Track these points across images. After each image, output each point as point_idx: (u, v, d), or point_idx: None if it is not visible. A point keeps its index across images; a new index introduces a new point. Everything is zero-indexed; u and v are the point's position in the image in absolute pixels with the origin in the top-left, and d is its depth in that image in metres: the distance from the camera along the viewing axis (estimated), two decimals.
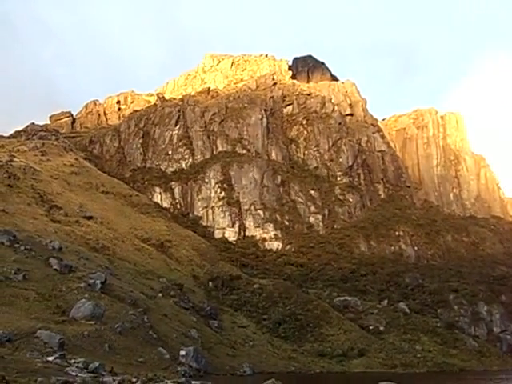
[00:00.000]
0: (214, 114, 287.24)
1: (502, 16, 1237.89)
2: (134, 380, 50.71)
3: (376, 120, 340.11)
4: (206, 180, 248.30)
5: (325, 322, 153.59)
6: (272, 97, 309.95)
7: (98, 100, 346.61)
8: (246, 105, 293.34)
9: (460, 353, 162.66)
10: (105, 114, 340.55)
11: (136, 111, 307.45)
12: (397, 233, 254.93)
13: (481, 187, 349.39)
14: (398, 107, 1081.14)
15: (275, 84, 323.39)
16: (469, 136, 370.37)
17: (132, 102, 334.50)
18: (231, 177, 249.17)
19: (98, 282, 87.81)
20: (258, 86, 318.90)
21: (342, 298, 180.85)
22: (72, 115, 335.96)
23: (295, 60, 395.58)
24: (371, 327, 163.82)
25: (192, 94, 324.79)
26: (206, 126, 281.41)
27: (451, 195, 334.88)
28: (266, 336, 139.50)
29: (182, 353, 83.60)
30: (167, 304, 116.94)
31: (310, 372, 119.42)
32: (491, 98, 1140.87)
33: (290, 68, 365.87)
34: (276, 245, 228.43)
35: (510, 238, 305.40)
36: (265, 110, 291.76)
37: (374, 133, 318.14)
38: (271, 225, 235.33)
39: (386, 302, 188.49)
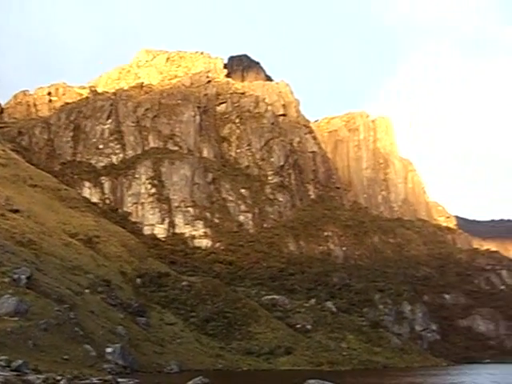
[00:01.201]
0: (146, 110, 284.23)
1: (429, 20, 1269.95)
2: (59, 378, 49.63)
3: (308, 121, 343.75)
4: (137, 176, 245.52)
5: (253, 321, 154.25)
6: (206, 94, 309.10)
7: (28, 90, 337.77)
8: (179, 101, 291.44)
9: (384, 350, 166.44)
10: (35, 105, 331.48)
11: (67, 103, 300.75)
12: (325, 233, 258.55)
13: (408, 190, 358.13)
14: (331, 109, 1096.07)
15: (209, 82, 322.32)
16: (397, 140, 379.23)
17: (63, 94, 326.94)
18: (162, 173, 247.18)
19: (23, 277, 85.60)
20: (192, 83, 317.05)
21: (270, 297, 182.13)
22: (0, 105, 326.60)
23: (230, 59, 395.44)
24: (298, 326, 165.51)
25: (125, 88, 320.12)
26: (138, 122, 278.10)
27: (379, 197, 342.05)
28: (193, 333, 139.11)
29: (109, 350, 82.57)
30: (94, 300, 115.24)
31: (237, 369, 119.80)
32: (420, 102, 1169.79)
33: (225, 66, 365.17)
34: (205, 242, 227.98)
35: (433, 241, 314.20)
36: (198, 108, 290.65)
37: (306, 134, 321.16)
38: (201, 222, 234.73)
39: (313, 300, 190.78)
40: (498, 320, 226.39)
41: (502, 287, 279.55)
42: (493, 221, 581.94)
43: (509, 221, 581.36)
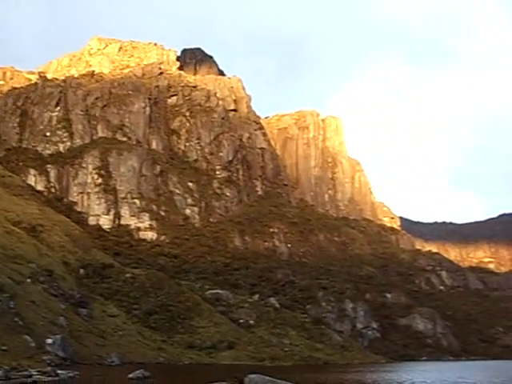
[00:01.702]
0: (96, 99, 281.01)
1: (387, 28, 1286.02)
2: None
3: (259, 117, 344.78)
4: (84, 165, 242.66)
5: (196, 314, 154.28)
6: (157, 86, 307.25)
7: None
8: (130, 92, 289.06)
9: (325, 347, 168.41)
10: None
11: (15, 88, 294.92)
12: (271, 229, 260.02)
13: (354, 190, 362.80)
14: (282, 107, 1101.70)
15: (162, 73, 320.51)
16: (346, 140, 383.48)
17: (11, 79, 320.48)
18: (109, 163, 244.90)
19: None
20: (144, 74, 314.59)
21: (214, 291, 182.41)
22: None
23: (184, 51, 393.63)
24: (241, 321, 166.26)
25: (75, 75, 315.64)
26: (87, 110, 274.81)
27: (326, 196, 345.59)
28: (136, 326, 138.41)
29: (49, 341, 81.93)
30: (35, 290, 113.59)
31: (179, 363, 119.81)
32: (373, 106, 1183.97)
33: (178, 59, 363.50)
34: (151, 235, 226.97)
35: (377, 240, 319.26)
36: (149, 99, 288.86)
37: (255, 130, 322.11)
38: (147, 214, 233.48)
39: (257, 296, 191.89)
40: (435, 319, 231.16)
41: (441, 288, 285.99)
42: (435, 223, 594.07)
43: (450, 223, 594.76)
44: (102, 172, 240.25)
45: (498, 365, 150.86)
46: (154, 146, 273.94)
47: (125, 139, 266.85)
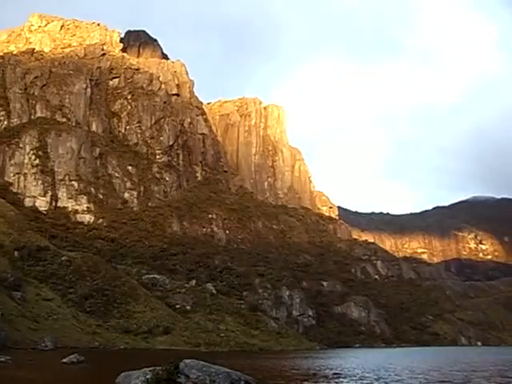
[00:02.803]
0: (36, 78, 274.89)
1: (334, 19, 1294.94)
2: None
3: (201, 103, 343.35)
4: (21, 145, 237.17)
5: (132, 299, 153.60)
6: (99, 67, 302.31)
7: None
8: (71, 72, 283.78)
9: (261, 333, 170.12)
10: None
11: None
12: (210, 215, 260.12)
13: (294, 179, 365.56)
14: (225, 93, 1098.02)
15: (104, 55, 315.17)
16: (288, 129, 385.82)
17: None
18: (48, 144, 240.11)
19: None
20: (85, 55, 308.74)
21: (151, 276, 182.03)
22: None
23: (128, 33, 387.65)
24: (178, 306, 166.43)
25: (14, 52, 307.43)
26: (26, 89, 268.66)
27: (266, 184, 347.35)
28: (71, 310, 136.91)
29: None
30: None
31: (114, 348, 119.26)
32: (314, 96, 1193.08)
33: (121, 40, 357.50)
34: (88, 218, 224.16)
35: (315, 229, 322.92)
36: (90, 80, 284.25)
37: (197, 115, 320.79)
38: (85, 197, 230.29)
39: (194, 282, 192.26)
40: (369, 307, 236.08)
41: (376, 277, 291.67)
42: (372, 213, 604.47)
43: (387, 214, 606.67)
44: (40, 153, 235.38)
45: (426, 351, 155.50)
46: (93, 128, 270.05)
47: (64, 120, 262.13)
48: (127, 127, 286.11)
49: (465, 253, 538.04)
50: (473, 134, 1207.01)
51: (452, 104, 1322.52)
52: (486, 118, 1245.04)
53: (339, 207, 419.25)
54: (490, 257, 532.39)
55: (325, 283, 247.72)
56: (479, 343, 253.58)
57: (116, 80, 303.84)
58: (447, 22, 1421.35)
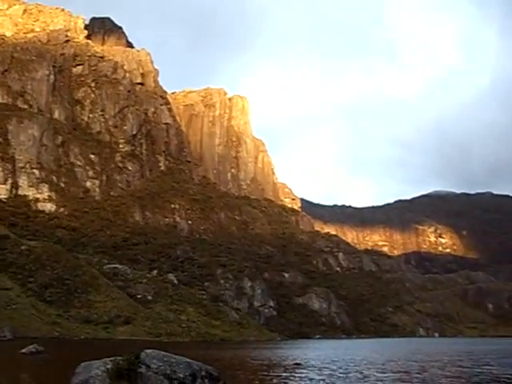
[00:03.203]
0: None
1: (302, 13, 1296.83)
2: None
3: (165, 92, 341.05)
4: None
5: (93, 289, 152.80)
6: (63, 54, 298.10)
7: None
8: (33, 58, 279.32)
9: (222, 324, 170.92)
10: None
11: None
12: (172, 205, 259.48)
13: (257, 170, 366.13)
14: (190, 83, 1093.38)
15: (68, 41, 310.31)
16: (252, 121, 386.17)
17: None
18: (8, 131, 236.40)
19: None
20: (49, 40, 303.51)
21: (113, 266, 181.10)
22: None
23: (92, 20, 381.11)
24: (139, 296, 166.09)
25: None
26: None
27: (229, 175, 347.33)
28: (30, 299, 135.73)
29: None
30: None
31: (74, 338, 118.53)
32: (279, 89, 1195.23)
33: (86, 27, 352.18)
34: (49, 206, 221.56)
35: (277, 221, 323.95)
36: (53, 67, 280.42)
37: (161, 105, 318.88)
38: (46, 185, 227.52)
39: (155, 272, 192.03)
40: (330, 299, 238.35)
41: (337, 269, 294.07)
42: (335, 206, 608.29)
43: (349, 207, 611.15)
44: (1, 140, 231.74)
45: (385, 342, 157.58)
46: (56, 115, 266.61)
47: (26, 107, 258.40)
48: (90, 115, 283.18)
49: (424, 246, 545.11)
50: (434, 130, 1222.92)
51: (414, 99, 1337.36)
52: (447, 113, 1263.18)
53: (302, 199, 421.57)
54: (448, 250, 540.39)
55: (286, 274, 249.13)
56: (436, 334, 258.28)
57: (80, 67, 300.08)
58: (410, 20, 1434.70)
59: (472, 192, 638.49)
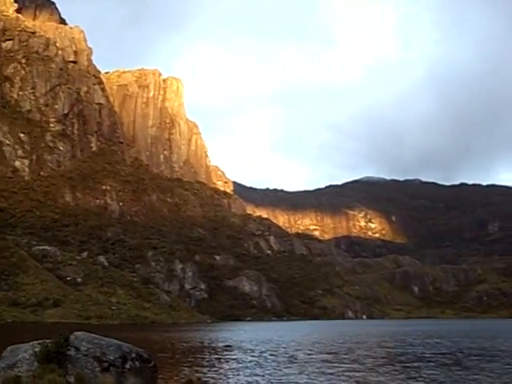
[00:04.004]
0: None
1: None
2: None
3: (99, 72, 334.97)
4: None
5: (21, 271, 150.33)
6: None
7: None
8: None
9: (153, 306, 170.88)
10: None
11: None
12: (104, 187, 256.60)
13: (190, 153, 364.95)
14: (124, 63, 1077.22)
15: None
16: (186, 103, 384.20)
17: None
18: None
19: None
20: None
21: (42, 247, 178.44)
22: None
23: None
24: (69, 278, 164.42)
25: None
26: None
27: (161, 157, 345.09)
28: None
29: None
30: None
31: (1, 321, 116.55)
32: (215, 72, 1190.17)
33: (16, 1, 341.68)
34: None
35: (210, 203, 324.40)
36: None
37: (94, 84, 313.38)
38: None
39: (86, 254, 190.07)
40: (261, 282, 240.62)
41: (269, 252, 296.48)
42: (267, 189, 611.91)
43: (281, 190, 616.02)
44: None
45: (315, 325, 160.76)
46: None
47: None
48: (20, 93, 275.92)
49: (355, 230, 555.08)
50: (368, 116, 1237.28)
51: (350, 85, 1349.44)
52: (381, 101, 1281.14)
53: (234, 182, 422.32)
54: (377, 235, 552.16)
55: (218, 257, 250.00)
56: (364, 316, 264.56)
57: (10, 42, 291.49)
58: (347, 7, 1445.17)
59: (402, 179, 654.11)
